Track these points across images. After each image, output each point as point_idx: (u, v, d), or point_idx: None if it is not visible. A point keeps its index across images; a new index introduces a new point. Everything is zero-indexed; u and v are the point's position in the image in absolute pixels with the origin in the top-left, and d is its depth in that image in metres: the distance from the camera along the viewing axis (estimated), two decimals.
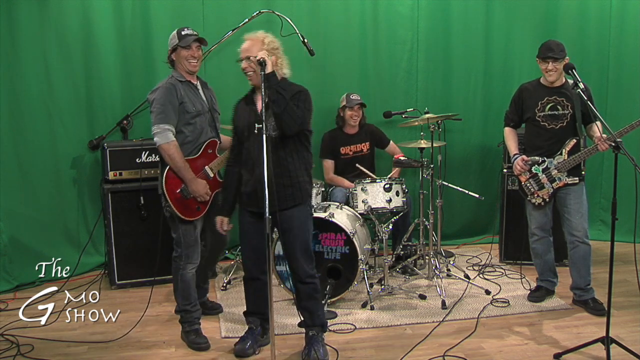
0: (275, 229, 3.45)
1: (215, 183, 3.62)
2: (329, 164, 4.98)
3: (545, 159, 3.92)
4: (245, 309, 3.58)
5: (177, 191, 3.47)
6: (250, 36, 3.27)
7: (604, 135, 3.67)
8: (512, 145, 4.09)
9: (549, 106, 3.90)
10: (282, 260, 4.07)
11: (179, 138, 3.48)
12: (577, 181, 3.89)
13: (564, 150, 3.88)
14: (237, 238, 3.54)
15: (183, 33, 3.54)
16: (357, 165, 4.77)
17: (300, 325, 3.52)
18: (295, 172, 3.24)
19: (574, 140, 3.87)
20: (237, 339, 3.52)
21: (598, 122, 3.63)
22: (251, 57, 3.17)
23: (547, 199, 3.95)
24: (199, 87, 3.65)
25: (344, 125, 4.97)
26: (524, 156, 3.99)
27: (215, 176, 3.63)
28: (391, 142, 5.08)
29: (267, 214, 2.81)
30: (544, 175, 3.93)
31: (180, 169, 3.44)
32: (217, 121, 3.70)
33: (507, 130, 4.14)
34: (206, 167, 3.59)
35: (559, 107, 3.88)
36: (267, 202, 2.82)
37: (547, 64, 3.80)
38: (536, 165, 3.94)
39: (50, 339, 3.64)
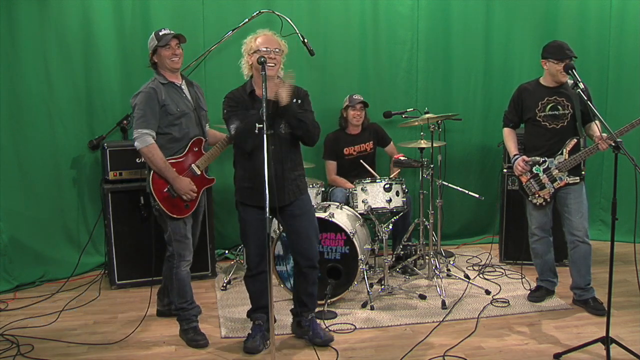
0: (278, 227, 3.49)
1: (203, 180, 3.64)
2: (332, 165, 4.99)
3: (546, 159, 3.92)
4: (247, 309, 3.58)
5: (164, 190, 3.50)
6: (267, 32, 3.33)
7: (604, 135, 3.67)
8: (512, 146, 4.08)
9: (549, 106, 3.90)
10: (282, 260, 4.07)
11: (165, 139, 3.50)
12: (578, 180, 3.89)
13: (564, 150, 3.88)
14: (238, 239, 3.53)
15: (161, 33, 3.55)
16: (361, 161, 4.77)
17: (296, 311, 3.60)
18: (301, 164, 3.50)
19: (575, 140, 3.87)
20: (237, 339, 3.53)
21: (597, 122, 3.63)
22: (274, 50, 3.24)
23: (548, 199, 3.95)
24: (184, 86, 3.64)
25: (346, 126, 4.97)
26: (524, 156, 3.98)
27: (203, 173, 3.63)
28: (392, 142, 5.09)
29: (267, 214, 2.82)
30: (544, 175, 3.92)
31: (162, 169, 3.46)
32: (203, 119, 3.68)
33: (507, 131, 4.13)
34: (192, 165, 3.59)
35: (559, 107, 3.88)
36: (267, 201, 2.83)
37: (564, 64, 3.76)
38: (537, 166, 3.94)
39: (50, 339, 3.64)
